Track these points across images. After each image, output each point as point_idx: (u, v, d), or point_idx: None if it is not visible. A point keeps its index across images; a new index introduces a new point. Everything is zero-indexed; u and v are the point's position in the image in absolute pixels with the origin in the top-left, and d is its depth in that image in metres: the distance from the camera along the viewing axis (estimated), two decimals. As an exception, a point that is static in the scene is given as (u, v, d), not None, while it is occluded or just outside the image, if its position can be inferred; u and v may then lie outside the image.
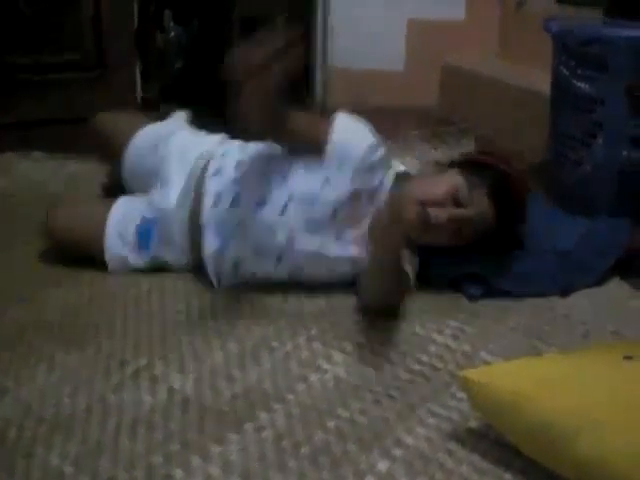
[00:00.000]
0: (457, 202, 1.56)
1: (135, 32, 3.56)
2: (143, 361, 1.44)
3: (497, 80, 3.30)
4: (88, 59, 3.46)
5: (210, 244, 1.68)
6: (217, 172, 1.72)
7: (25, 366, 1.42)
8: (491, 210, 1.60)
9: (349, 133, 1.66)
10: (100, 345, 1.50)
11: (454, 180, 1.59)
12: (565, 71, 2.27)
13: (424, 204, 1.46)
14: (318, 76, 3.81)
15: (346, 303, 1.65)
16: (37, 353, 1.46)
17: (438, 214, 1.48)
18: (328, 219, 1.65)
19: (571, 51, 2.26)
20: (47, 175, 2.45)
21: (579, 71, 2.22)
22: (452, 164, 1.70)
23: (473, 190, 1.58)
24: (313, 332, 1.54)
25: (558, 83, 2.35)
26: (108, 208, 1.80)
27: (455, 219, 1.54)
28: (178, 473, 1.14)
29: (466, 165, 1.67)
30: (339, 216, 1.65)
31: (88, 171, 2.47)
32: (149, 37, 3.70)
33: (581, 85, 2.22)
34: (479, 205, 1.59)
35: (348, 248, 1.66)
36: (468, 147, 2.75)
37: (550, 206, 2.24)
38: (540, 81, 2.74)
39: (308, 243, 1.65)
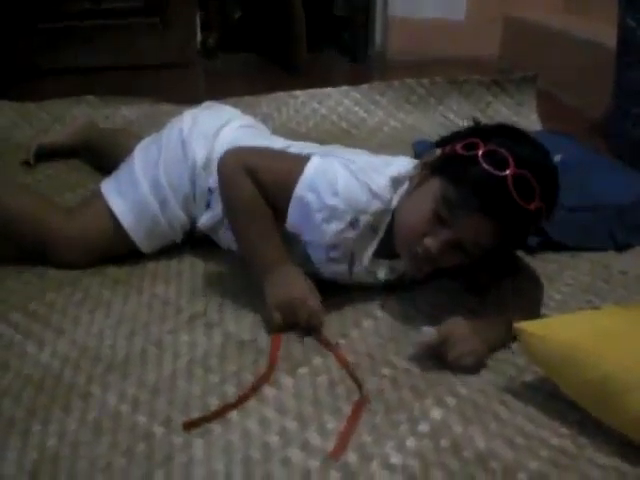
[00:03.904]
0: (442, 222, 1.31)
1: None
2: (199, 307, 1.46)
3: (560, 32, 3.24)
4: (149, 6, 3.48)
5: None
6: None
7: (82, 310, 1.45)
8: (484, 223, 1.28)
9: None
10: (156, 293, 1.52)
11: (430, 199, 1.32)
12: (632, 23, 2.22)
13: (410, 242, 1.33)
14: (378, 25, 3.78)
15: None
16: (94, 299, 1.49)
17: (428, 245, 1.31)
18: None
19: (638, 3, 2.20)
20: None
21: (646, 23, 2.17)
22: (435, 168, 1.36)
23: (455, 206, 1.29)
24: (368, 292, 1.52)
25: (624, 36, 2.30)
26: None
27: (441, 246, 1.30)
28: (233, 414, 1.15)
29: (450, 165, 1.33)
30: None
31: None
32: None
33: (648, 38, 2.18)
34: (464, 222, 1.28)
35: None
36: (529, 95, 2.71)
37: (611, 160, 2.20)
38: (605, 33, 2.69)
39: None
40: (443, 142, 1.39)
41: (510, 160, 1.25)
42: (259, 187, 1.40)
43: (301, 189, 1.36)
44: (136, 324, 1.40)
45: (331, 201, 1.35)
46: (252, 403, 1.17)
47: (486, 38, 3.69)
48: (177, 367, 1.27)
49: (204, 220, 1.59)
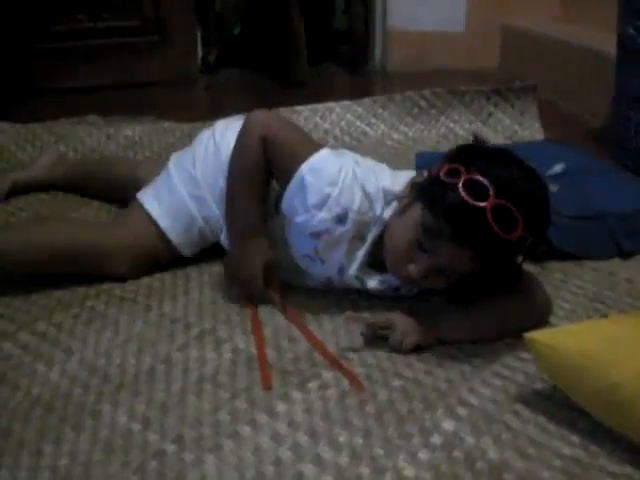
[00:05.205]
0: (423, 249, 1.32)
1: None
2: (207, 324, 1.46)
3: (560, 41, 3.25)
4: (148, 25, 3.49)
5: None
6: None
7: (90, 329, 1.45)
8: (461, 252, 1.27)
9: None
10: (164, 311, 1.52)
11: (412, 226, 1.32)
12: (632, 31, 2.22)
13: (397, 266, 1.37)
14: (377, 38, 3.79)
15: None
16: (101, 318, 1.49)
17: (410, 271, 1.33)
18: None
19: (638, 12, 2.21)
20: (103, 139, 2.46)
21: (647, 31, 2.18)
22: (418, 192, 1.35)
23: (432, 234, 1.29)
24: (374, 301, 1.53)
25: (624, 44, 2.31)
26: None
27: (422, 273, 1.33)
28: (245, 430, 1.15)
29: (431, 191, 1.31)
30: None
31: (144, 134, 2.48)
32: (208, 2, 3.72)
33: (649, 45, 2.18)
34: (442, 251, 1.29)
35: None
36: (530, 104, 2.71)
37: (613, 167, 2.20)
38: (604, 41, 2.70)
39: None
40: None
41: (491, 190, 1.22)
42: (269, 158, 1.46)
43: (305, 170, 1.41)
44: (144, 342, 1.40)
45: (327, 189, 1.39)
46: (263, 418, 1.18)
47: (485, 49, 3.70)
48: (187, 384, 1.27)
49: None
